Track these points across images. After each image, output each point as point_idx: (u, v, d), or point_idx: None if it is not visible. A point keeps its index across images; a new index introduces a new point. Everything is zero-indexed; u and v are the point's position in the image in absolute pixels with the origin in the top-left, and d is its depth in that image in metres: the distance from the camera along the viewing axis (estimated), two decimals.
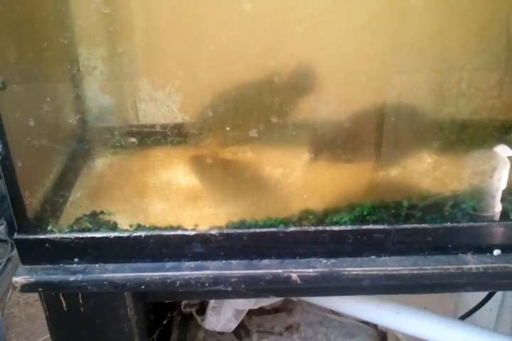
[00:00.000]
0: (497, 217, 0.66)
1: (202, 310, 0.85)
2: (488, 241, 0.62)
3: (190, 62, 0.54)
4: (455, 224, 0.61)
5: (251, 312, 0.84)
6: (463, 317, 1.02)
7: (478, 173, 0.67)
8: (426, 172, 0.63)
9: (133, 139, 0.71)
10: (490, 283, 0.63)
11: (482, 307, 0.98)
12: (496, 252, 0.63)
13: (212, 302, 0.81)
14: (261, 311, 0.86)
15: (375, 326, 0.90)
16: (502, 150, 0.72)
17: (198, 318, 0.84)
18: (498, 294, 1.04)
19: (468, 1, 0.60)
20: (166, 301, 0.74)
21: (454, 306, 1.22)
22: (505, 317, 1.05)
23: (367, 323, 0.90)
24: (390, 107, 0.61)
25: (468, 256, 0.62)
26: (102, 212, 0.64)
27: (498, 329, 1.07)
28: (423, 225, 0.61)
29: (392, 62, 0.58)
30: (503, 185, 0.67)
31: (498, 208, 0.66)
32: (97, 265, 0.61)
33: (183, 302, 0.86)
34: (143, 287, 0.60)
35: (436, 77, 0.63)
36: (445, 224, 0.61)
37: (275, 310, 0.87)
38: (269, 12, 0.53)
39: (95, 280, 0.60)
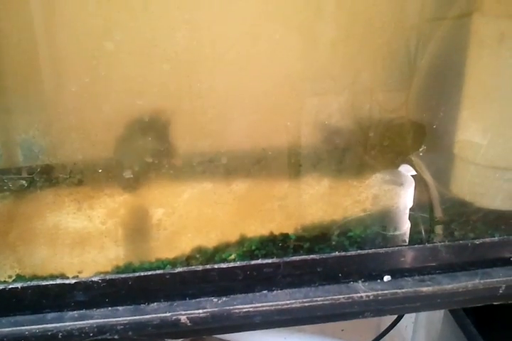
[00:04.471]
0: (408, 238, 0.67)
1: None
2: (377, 267, 0.63)
3: (54, 103, 0.52)
4: (343, 253, 0.61)
5: None
6: (382, 335, 1.04)
7: (374, 197, 0.67)
8: (313, 202, 0.63)
9: (22, 182, 0.68)
10: (382, 309, 0.63)
11: (398, 325, 1.00)
12: (386, 278, 0.63)
13: None
14: None
15: None
16: (405, 169, 0.74)
17: None
18: None
19: (378, 29, 0.62)
20: None
21: (377, 323, 1.23)
22: (420, 333, 1.07)
23: None
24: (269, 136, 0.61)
25: (359, 284, 0.62)
26: None
27: None
28: (312, 256, 0.61)
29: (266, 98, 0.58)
30: (407, 206, 0.68)
31: (405, 229, 0.67)
32: None
33: None
34: None
35: (344, 99, 0.63)
36: (333, 254, 0.61)
37: None
38: (133, 51, 0.51)
39: None
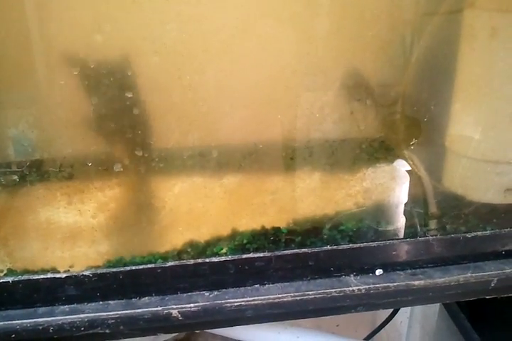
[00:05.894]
0: (400, 232, 0.67)
1: None
2: (369, 261, 0.63)
3: (43, 97, 0.52)
4: (335, 247, 0.61)
5: None
6: (377, 330, 1.04)
7: (366, 190, 0.67)
8: (305, 196, 0.63)
9: (13, 176, 0.67)
10: (374, 303, 0.63)
11: (393, 320, 1.00)
12: (378, 272, 0.63)
13: None
14: None
15: None
16: (397, 163, 0.73)
17: None
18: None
19: (370, 23, 0.62)
20: None
21: (372, 318, 1.23)
22: (415, 328, 1.07)
23: None
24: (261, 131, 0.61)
25: (351, 278, 0.62)
26: None
27: (410, 340, 1.09)
28: (303, 250, 0.61)
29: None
30: (399, 200, 0.68)
31: (397, 223, 0.67)
32: None
33: None
34: (13, 336, 0.56)
35: (336, 93, 0.63)
36: (325, 247, 0.61)
37: None
38: (122, 43, 0.51)
39: None
